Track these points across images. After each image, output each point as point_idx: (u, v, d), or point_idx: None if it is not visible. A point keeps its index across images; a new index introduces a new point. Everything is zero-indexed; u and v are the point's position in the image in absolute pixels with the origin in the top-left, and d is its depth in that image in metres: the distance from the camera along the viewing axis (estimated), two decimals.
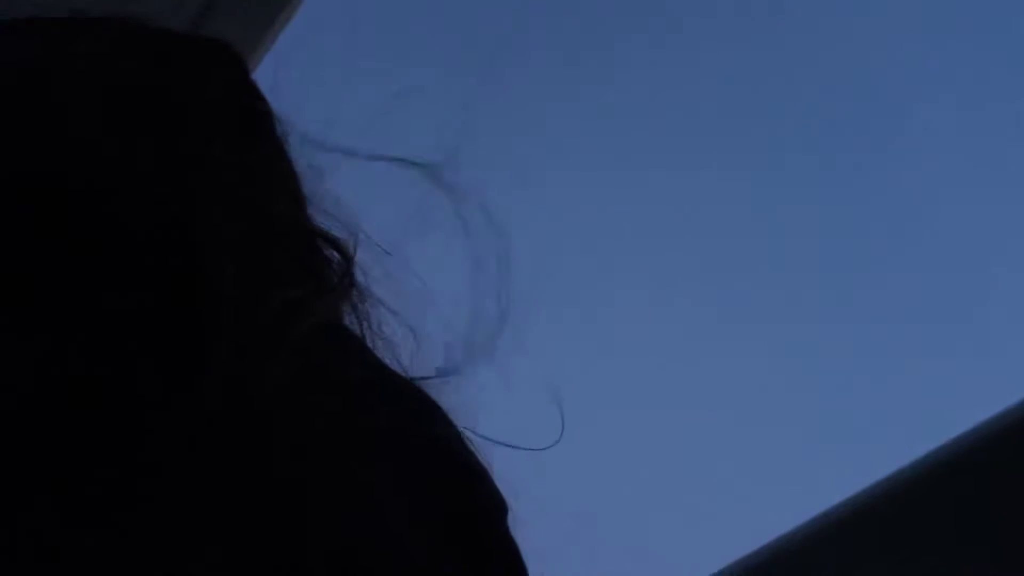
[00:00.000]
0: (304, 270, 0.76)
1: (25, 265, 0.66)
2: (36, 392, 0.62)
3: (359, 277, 0.77)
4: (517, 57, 1.73)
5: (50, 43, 0.78)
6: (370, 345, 0.76)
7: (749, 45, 1.72)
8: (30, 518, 0.59)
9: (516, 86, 1.72)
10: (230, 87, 0.81)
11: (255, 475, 0.62)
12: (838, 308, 1.64)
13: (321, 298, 0.74)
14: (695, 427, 1.57)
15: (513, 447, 0.77)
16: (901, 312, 1.60)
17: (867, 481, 1.18)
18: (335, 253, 0.78)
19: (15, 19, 0.79)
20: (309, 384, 0.66)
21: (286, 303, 0.68)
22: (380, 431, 0.67)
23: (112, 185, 0.69)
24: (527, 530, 0.70)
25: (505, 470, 0.72)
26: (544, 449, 0.79)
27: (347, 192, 0.79)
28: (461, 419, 0.72)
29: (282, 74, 0.88)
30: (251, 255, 0.70)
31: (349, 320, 0.77)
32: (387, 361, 0.75)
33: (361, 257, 0.77)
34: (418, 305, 0.78)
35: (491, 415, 0.77)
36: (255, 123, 0.81)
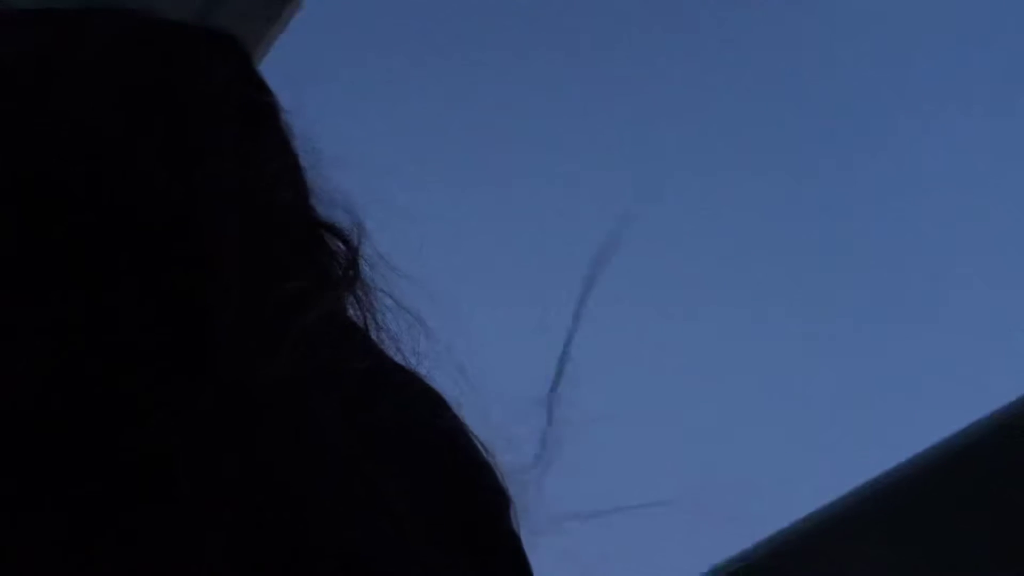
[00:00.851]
0: (308, 262, 0.75)
1: (28, 258, 0.66)
2: (40, 389, 0.62)
3: (363, 269, 0.77)
4: (517, 57, 1.73)
5: (55, 34, 0.77)
6: (374, 337, 0.76)
7: (756, 47, 1.72)
8: (35, 518, 0.59)
9: (515, 86, 1.72)
10: (234, 79, 0.81)
11: (259, 469, 0.62)
12: (836, 307, 1.64)
13: (325, 290, 0.74)
14: (693, 426, 1.57)
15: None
16: (899, 311, 1.61)
17: (864, 477, 1.19)
18: (340, 244, 0.77)
19: (21, 9, 0.79)
20: (313, 376, 0.65)
21: (290, 295, 0.68)
22: (384, 423, 0.67)
23: (116, 176, 0.69)
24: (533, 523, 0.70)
25: (509, 462, 0.72)
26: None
27: None
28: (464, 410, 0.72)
29: (286, 68, 0.88)
30: (255, 247, 0.70)
31: (353, 312, 0.77)
32: (391, 353, 0.75)
33: (365, 249, 0.77)
34: (421, 297, 0.77)
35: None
36: (259, 115, 0.81)
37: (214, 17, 1.27)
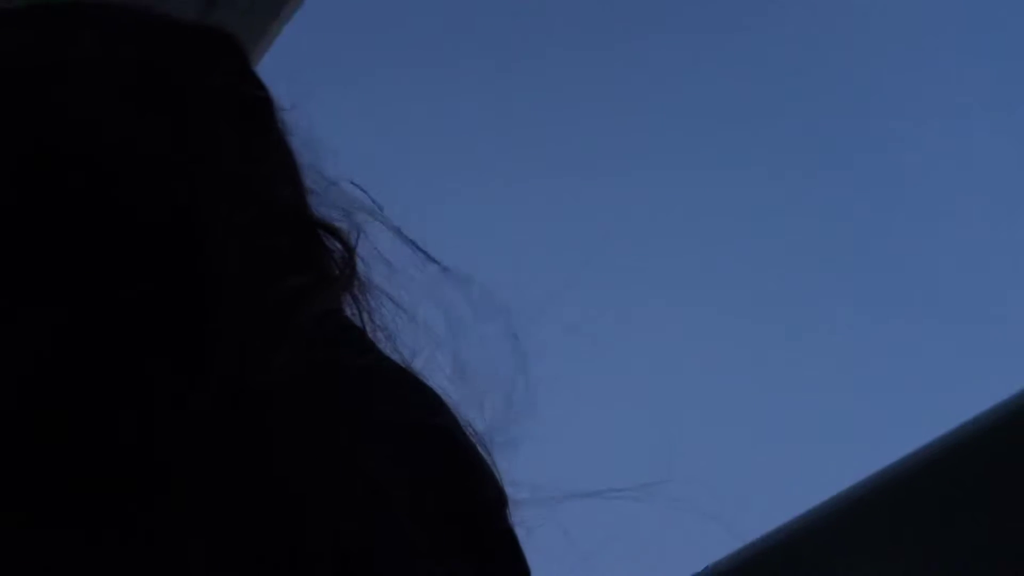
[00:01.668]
0: (307, 260, 0.75)
1: (28, 251, 0.66)
2: (37, 385, 0.62)
3: (360, 268, 0.77)
4: (517, 56, 1.73)
5: (55, 29, 0.77)
6: (371, 336, 0.76)
7: (751, 46, 1.72)
8: (29, 516, 0.59)
9: (514, 86, 1.72)
10: (232, 75, 0.81)
11: (257, 467, 0.62)
12: (832, 305, 1.64)
13: (323, 288, 0.74)
14: (690, 425, 1.57)
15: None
16: (893, 309, 1.61)
17: (854, 478, 1.19)
18: (337, 243, 0.77)
19: (21, 5, 0.79)
20: (310, 374, 0.66)
21: (289, 292, 0.68)
22: (381, 421, 0.67)
23: (116, 171, 0.69)
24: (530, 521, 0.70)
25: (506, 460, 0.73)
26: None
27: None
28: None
29: (284, 67, 0.88)
30: (254, 244, 0.70)
31: (350, 311, 0.77)
32: (388, 352, 0.75)
33: (362, 248, 0.77)
34: (420, 296, 0.78)
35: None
36: (257, 112, 0.81)
37: (213, 15, 1.27)
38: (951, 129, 1.64)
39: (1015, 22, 1.63)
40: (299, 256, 0.74)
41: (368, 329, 0.77)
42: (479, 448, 0.72)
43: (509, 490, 0.71)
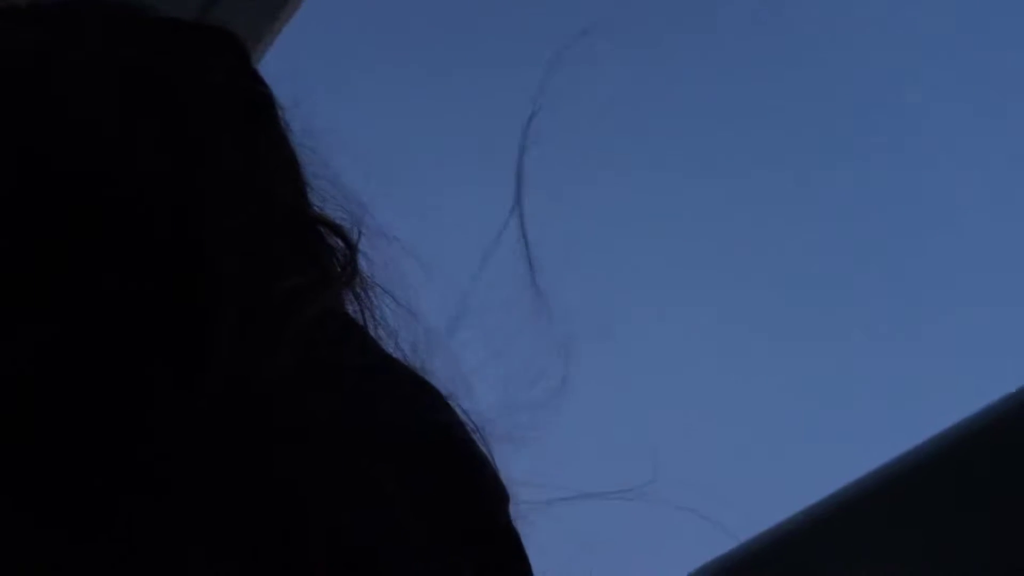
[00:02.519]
0: (307, 258, 0.75)
1: (25, 252, 0.66)
2: (35, 384, 0.62)
3: (362, 265, 0.77)
4: (517, 57, 1.73)
5: (52, 28, 0.77)
6: (372, 333, 0.76)
7: (751, 45, 1.72)
8: (34, 516, 0.59)
9: (514, 86, 1.72)
10: (232, 73, 0.81)
11: (257, 466, 0.62)
12: (827, 303, 1.65)
13: (325, 287, 0.74)
14: (688, 427, 1.57)
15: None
16: (895, 312, 1.61)
17: (849, 477, 1.19)
18: (338, 241, 0.77)
19: (17, 4, 0.79)
20: (311, 373, 0.66)
21: (289, 292, 0.68)
22: (382, 419, 0.67)
23: (114, 170, 0.69)
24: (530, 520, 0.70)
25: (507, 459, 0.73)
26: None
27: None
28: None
29: (285, 66, 0.88)
30: (254, 242, 0.70)
31: (352, 309, 0.77)
32: (390, 350, 0.75)
33: (364, 245, 0.77)
34: (420, 293, 0.78)
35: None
36: (258, 110, 0.81)
37: (214, 14, 1.27)
38: (953, 130, 1.64)
39: (1015, 22, 1.63)
40: (300, 254, 0.74)
41: (370, 327, 0.77)
42: (481, 446, 0.72)
43: (510, 488, 0.71)
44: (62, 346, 0.63)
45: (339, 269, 0.76)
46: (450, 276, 0.80)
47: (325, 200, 0.80)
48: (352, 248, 0.77)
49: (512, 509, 0.71)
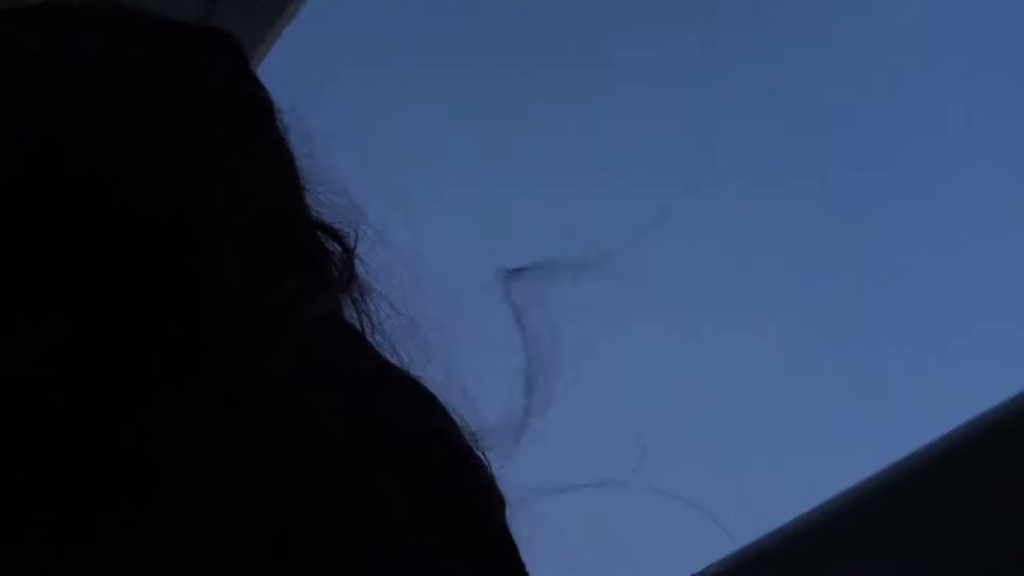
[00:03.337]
0: (306, 261, 0.75)
1: (23, 251, 0.66)
2: (33, 384, 0.62)
3: (359, 270, 0.77)
4: (517, 57, 1.73)
5: (52, 29, 0.77)
6: (370, 339, 0.76)
7: (764, 48, 1.72)
8: (33, 515, 0.59)
9: (511, 87, 1.72)
10: (231, 76, 0.81)
11: (255, 469, 0.62)
12: (827, 305, 1.64)
13: (323, 290, 0.74)
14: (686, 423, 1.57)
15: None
16: (894, 312, 1.60)
17: (849, 482, 1.19)
18: (336, 245, 0.77)
19: (16, 6, 0.79)
20: (309, 377, 0.66)
21: (287, 295, 0.68)
22: (380, 423, 0.67)
23: (114, 170, 0.69)
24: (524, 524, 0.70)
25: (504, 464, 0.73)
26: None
27: None
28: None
29: (283, 69, 0.88)
30: (253, 245, 0.70)
31: (349, 314, 0.77)
32: (387, 355, 0.75)
33: (361, 250, 0.77)
34: (417, 298, 0.78)
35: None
36: (256, 112, 0.81)
37: (214, 16, 1.27)
38: (951, 132, 1.64)
39: (1015, 23, 1.63)
40: (298, 258, 0.75)
41: (367, 332, 0.77)
42: (477, 451, 0.72)
43: (506, 493, 0.71)
44: (58, 346, 0.63)
45: (336, 273, 0.76)
46: (446, 280, 0.80)
47: (322, 204, 0.80)
48: (349, 252, 0.77)
49: (509, 514, 0.71)
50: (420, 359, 0.76)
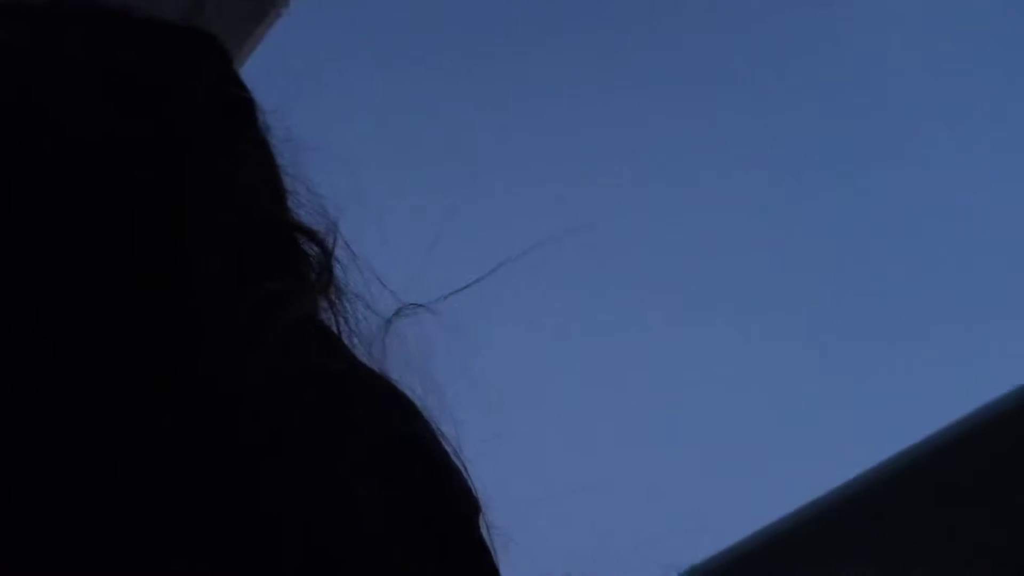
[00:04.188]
0: (284, 263, 0.75)
1: (7, 255, 0.66)
2: (13, 386, 0.62)
3: (337, 273, 0.77)
4: (509, 58, 1.73)
5: (38, 29, 0.77)
6: (346, 341, 0.76)
7: (754, 51, 1.72)
8: (10, 520, 0.59)
9: (509, 88, 1.71)
10: (215, 77, 0.81)
11: (230, 471, 0.62)
12: (815, 307, 1.64)
13: (300, 293, 0.74)
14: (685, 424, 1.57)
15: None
16: (893, 313, 1.61)
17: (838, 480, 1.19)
18: (314, 248, 0.77)
19: (4, 4, 0.79)
20: (286, 379, 0.65)
21: (266, 297, 0.68)
22: (356, 428, 0.67)
23: (97, 172, 0.69)
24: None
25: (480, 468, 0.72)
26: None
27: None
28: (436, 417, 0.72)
29: (267, 70, 0.88)
30: (234, 246, 0.70)
31: (326, 316, 0.76)
32: (363, 358, 0.75)
33: (340, 252, 0.77)
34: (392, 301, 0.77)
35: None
36: (238, 114, 0.81)
37: (198, 17, 1.27)
38: (951, 131, 1.64)
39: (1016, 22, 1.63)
40: (278, 260, 0.74)
41: (344, 335, 0.76)
42: (453, 457, 0.72)
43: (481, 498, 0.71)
44: (41, 348, 0.63)
45: (314, 276, 0.76)
46: (423, 284, 0.80)
47: (301, 206, 0.79)
48: (328, 255, 0.77)
49: (483, 520, 0.71)
50: (399, 363, 0.76)
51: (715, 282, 1.70)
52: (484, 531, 0.71)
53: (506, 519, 0.73)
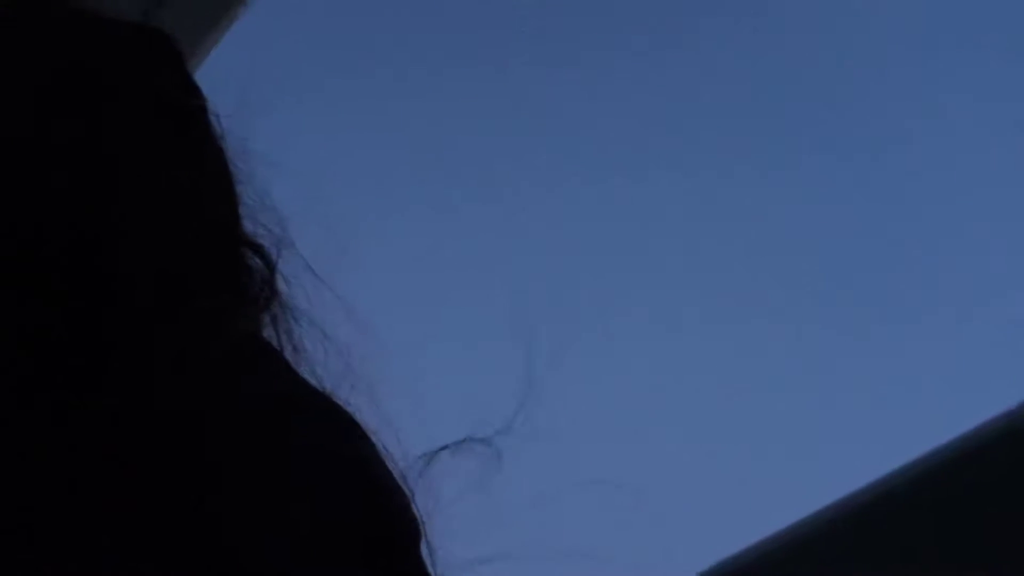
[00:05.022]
0: (226, 278, 0.73)
1: None
2: None
3: (282, 288, 0.75)
4: (502, 58, 1.72)
5: None
6: (290, 359, 0.74)
7: (757, 47, 1.72)
8: None
9: (506, 87, 1.70)
10: (166, 78, 0.79)
11: (165, 496, 0.60)
12: (829, 308, 1.64)
13: (240, 309, 0.72)
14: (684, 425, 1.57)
15: None
16: (892, 313, 1.60)
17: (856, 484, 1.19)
18: (258, 260, 0.75)
19: None
20: (224, 399, 0.64)
21: (205, 313, 0.66)
22: (298, 449, 0.65)
23: (24, 175, 0.67)
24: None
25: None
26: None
27: None
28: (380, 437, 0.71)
29: (224, 74, 0.86)
30: (173, 257, 0.68)
31: (268, 333, 0.75)
32: (306, 376, 0.73)
33: (284, 267, 0.75)
34: (341, 317, 0.76)
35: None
36: (189, 118, 0.79)
37: (157, 16, 1.25)
38: (951, 128, 1.63)
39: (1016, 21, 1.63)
40: (218, 274, 0.72)
41: (287, 352, 0.75)
42: (396, 478, 0.70)
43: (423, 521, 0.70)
44: None
45: (257, 290, 0.74)
46: (380, 304, 0.79)
47: (248, 217, 0.77)
48: (272, 269, 0.75)
49: (425, 545, 0.70)
50: (343, 382, 0.75)
51: (715, 281, 1.70)
52: (425, 556, 0.70)
53: (516, 518, 0.72)
